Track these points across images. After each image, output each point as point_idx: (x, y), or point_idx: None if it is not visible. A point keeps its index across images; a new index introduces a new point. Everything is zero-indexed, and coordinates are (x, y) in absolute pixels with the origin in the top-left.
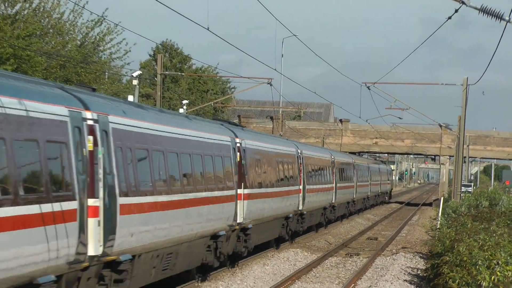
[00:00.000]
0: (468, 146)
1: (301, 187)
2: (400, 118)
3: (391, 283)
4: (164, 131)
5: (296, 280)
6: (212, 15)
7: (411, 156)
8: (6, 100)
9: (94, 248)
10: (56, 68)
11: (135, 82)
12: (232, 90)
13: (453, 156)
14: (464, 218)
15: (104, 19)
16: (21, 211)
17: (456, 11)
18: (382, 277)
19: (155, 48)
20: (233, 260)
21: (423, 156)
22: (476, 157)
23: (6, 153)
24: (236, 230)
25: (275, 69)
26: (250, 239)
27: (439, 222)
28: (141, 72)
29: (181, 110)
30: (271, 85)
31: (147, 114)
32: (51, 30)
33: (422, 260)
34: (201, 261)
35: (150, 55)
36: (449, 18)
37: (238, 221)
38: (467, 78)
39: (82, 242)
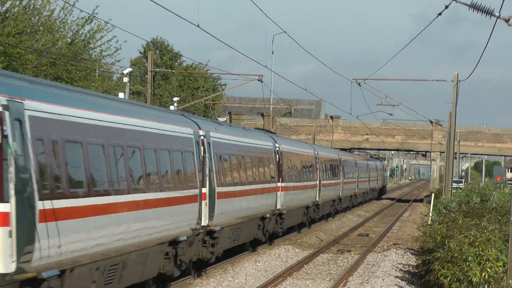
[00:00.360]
0: (459, 142)
1: (317, 182)
2: (390, 114)
3: (383, 280)
4: (236, 141)
5: (288, 277)
6: (203, 12)
7: (402, 152)
8: (167, 126)
9: (203, 220)
10: (46, 65)
11: (125, 79)
12: (223, 87)
13: (444, 152)
14: (455, 214)
15: (94, 16)
16: (177, 194)
17: (447, 7)
18: (373, 273)
19: (146, 45)
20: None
21: (414, 152)
22: (467, 153)
23: (169, 159)
24: (275, 214)
25: (266, 66)
26: (284, 222)
27: (430, 218)
28: (131, 69)
29: (171, 107)
30: (261, 82)
31: (224, 129)
32: (41, 28)
33: (413, 256)
34: (253, 236)
35: (140, 52)
36: (439, 14)
37: (277, 208)
38: (458, 74)
39: (199, 216)
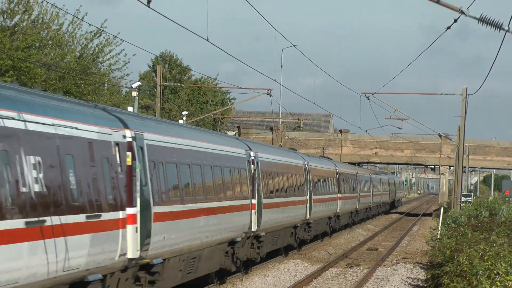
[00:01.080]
0: (468, 156)
1: (357, 194)
2: (399, 128)
3: None
4: (320, 167)
5: None
6: (212, 26)
7: (411, 166)
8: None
9: (306, 215)
10: (55, 79)
11: (134, 93)
12: (232, 101)
13: (453, 166)
14: (464, 228)
15: (103, 30)
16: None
17: (455, 20)
18: (382, 287)
19: (154, 59)
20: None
21: (422, 166)
22: (476, 167)
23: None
24: (335, 216)
25: (275, 80)
26: (340, 222)
27: (439, 232)
28: (140, 83)
29: (180, 121)
30: (270, 95)
31: (316, 159)
32: (50, 42)
33: (422, 270)
34: (324, 229)
35: (149, 66)
36: (448, 28)
37: (337, 211)
38: (467, 88)
39: (306, 212)
